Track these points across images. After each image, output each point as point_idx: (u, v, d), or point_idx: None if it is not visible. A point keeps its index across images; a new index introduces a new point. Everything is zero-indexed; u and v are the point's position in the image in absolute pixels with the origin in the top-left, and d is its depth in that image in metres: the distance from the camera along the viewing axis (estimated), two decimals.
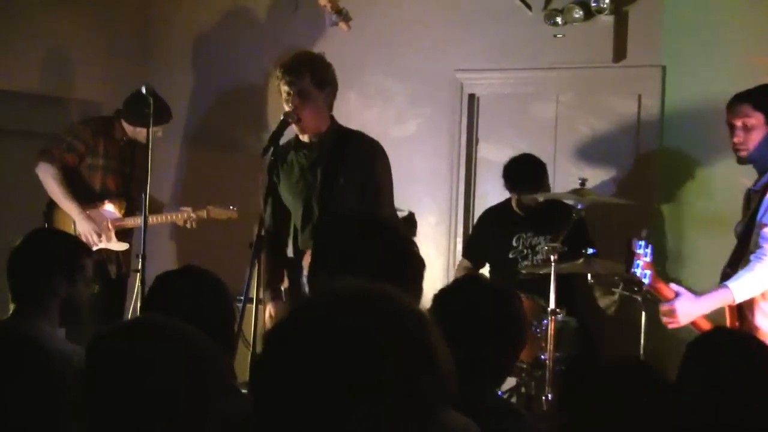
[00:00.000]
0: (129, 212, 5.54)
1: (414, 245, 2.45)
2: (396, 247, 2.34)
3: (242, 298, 3.63)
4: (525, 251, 5.11)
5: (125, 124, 5.50)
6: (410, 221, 4.08)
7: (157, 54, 6.58)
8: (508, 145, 5.62)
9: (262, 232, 3.79)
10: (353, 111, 5.69)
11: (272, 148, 3.85)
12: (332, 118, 4.12)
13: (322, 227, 3.38)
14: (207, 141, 6.49)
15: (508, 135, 5.72)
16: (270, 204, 3.98)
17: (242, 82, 6.34)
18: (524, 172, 5.04)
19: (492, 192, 5.62)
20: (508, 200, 5.22)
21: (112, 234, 5.43)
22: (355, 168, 4.00)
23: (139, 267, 4.70)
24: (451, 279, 5.29)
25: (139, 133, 5.40)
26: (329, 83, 4.05)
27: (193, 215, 5.45)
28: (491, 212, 5.31)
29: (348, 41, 5.84)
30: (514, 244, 5.11)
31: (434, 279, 5.32)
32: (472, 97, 5.77)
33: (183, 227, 5.66)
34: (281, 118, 3.99)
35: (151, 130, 4.83)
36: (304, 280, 3.93)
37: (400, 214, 3.97)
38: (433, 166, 5.82)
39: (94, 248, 5.36)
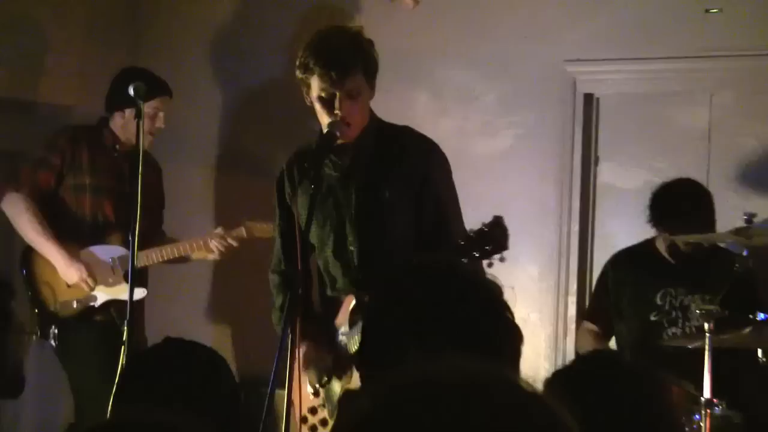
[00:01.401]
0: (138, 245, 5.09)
1: (508, 309, 2.31)
2: (489, 313, 2.27)
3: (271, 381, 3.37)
4: (674, 313, 4.94)
5: (116, 126, 5.17)
6: (498, 229, 3.59)
7: (150, 48, 6.26)
8: (640, 166, 5.42)
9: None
10: (423, 118, 5.34)
11: (313, 174, 3.61)
12: (372, 111, 3.89)
13: (386, 287, 2.95)
14: (223, 160, 6.18)
15: (640, 152, 5.50)
16: (286, 235, 3.81)
17: (267, 83, 6.09)
18: (686, 202, 4.84)
19: (619, 231, 5.42)
20: (651, 242, 5.00)
21: (120, 277, 5.11)
22: (405, 176, 3.79)
23: (124, 338, 4.20)
24: (561, 357, 5.29)
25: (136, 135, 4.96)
26: (375, 74, 3.83)
27: (225, 240, 5.11)
28: (627, 256, 5.09)
29: (414, 23, 5.55)
30: (659, 302, 4.92)
31: (537, 355, 5.30)
32: (589, 98, 5.58)
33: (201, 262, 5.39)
34: (325, 131, 3.71)
35: (141, 126, 4.37)
36: (341, 340, 3.75)
37: (484, 222, 3.53)
38: (534, 195, 5.60)
39: (98, 303, 5.07)
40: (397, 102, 4.25)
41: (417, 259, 3.03)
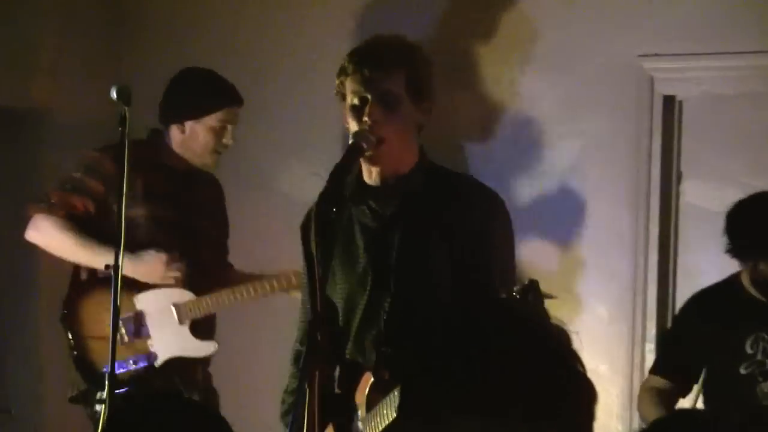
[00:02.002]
0: (202, 287, 4.82)
1: (579, 360, 2.14)
2: (557, 366, 2.13)
3: None
4: None
5: (175, 142, 4.72)
6: (531, 293, 3.45)
7: (135, 41, 5.96)
8: (731, 183, 5.04)
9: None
10: (467, 126, 5.07)
11: (333, 200, 3.36)
12: (422, 150, 3.63)
13: (429, 334, 2.64)
14: (231, 175, 5.56)
15: (731, 166, 5.17)
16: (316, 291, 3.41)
17: (281, 87, 5.73)
18: None
19: (706, 263, 5.08)
20: (736, 277, 4.62)
21: (186, 328, 4.75)
22: (460, 236, 3.55)
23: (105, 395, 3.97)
24: (638, 417, 4.81)
25: (202, 146, 4.72)
26: (429, 95, 3.57)
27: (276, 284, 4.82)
28: (708, 298, 4.71)
29: (450, 12, 5.15)
30: (750, 350, 4.59)
31: (608, 415, 5.09)
32: (669, 101, 5.26)
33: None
34: (351, 141, 3.47)
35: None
36: (357, 425, 3.55)
37: (516, 288, 3.44)
38: (603, 220, 5.30)
39: (159, 361, 4.66)
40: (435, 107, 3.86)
41: (466, 300, 2.92)
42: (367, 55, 3.52)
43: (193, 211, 4.86)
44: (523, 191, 4.74)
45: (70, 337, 4.66)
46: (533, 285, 3.38)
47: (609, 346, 5.25)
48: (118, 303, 4.22)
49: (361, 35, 5.09)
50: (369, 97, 3.46)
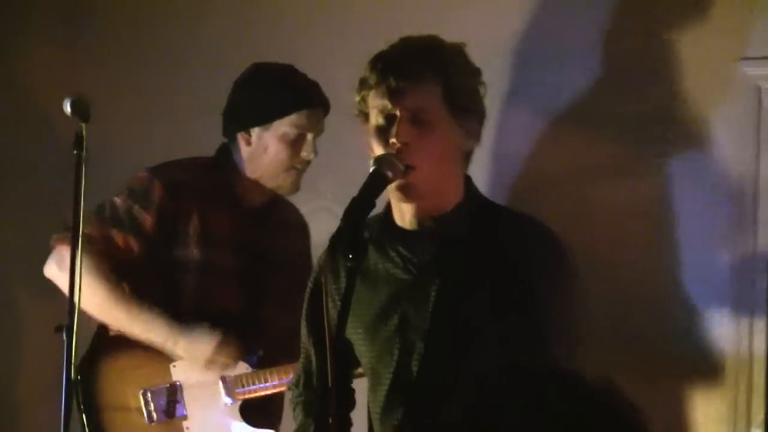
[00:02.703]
0: (265, 359, 3.96)
1: None
2: None
3: None
4: None
5: (242, 158, 3.90)
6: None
7: (94, 31, 5.12)
8: None
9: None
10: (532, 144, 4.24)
11: (350, 245, 2.82)
12: (469, 181, 3.11)
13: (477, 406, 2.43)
14: None
15: None
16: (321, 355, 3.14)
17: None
18: None
19: None
20: None
21: (237, 410, 3.94)
22: (513, 294, 3.04)
23: None
24: None
25: (273, 161, 3.87)
26: (476, 112, 3.05)
27: None
28: None
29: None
30: None
31: None
32: None
33: None
34: (372, 168, 2.91)
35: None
36: None
37: None
38: (699, 263, 4.40)
39: None
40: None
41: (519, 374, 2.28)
42: (394, 62, 2.98)
43: (263, 258, 4.02)
44: (600, 221, 4.18)
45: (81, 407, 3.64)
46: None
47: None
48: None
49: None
50: (397, 113, 2.91)
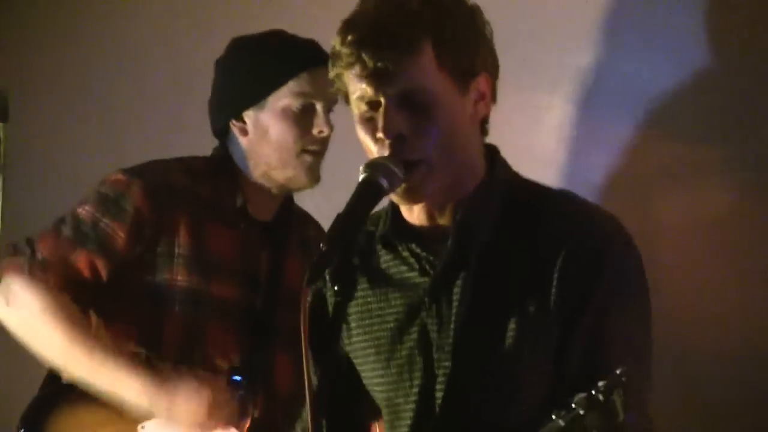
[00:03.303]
0: (269, 417, 3.15)
1: None
2: None
3: None
4: None
5: (241, 149, 3.17)
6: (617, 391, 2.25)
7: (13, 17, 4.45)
8: None
9: None
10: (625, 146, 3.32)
11: (343, 271, 2.36)
12: (493, 155, 2.51)
13: None
14: None
15: None
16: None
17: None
18: None
19: None
20: None
21: None
22: (553, 292, 2.40)
23: None
24: None
25: (278, 146, 3.13)
26: (483, 62, 2.42)
27: None
28: None
29: None
30: None
31: None
32: None
33: None
34: (361, 176, 2.34)
35: None
36: None
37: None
38: None
39: None
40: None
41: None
42: (368, 31, 2.34)
43: (273, 289, 3.21)
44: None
45: None
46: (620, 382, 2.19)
47: None
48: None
49: None
50: (381, 100, 2.34)
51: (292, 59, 3.12)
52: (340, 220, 2.22)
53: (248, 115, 3.11)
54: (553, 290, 2.33)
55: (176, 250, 3.05)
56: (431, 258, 2.42)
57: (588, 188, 3.20)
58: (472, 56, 2.36)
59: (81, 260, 2.99)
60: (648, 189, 3.26)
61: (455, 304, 2.40)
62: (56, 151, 4.17)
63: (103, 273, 3.00)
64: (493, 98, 2.43)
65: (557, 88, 3.32)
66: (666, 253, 3.14)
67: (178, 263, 3.05)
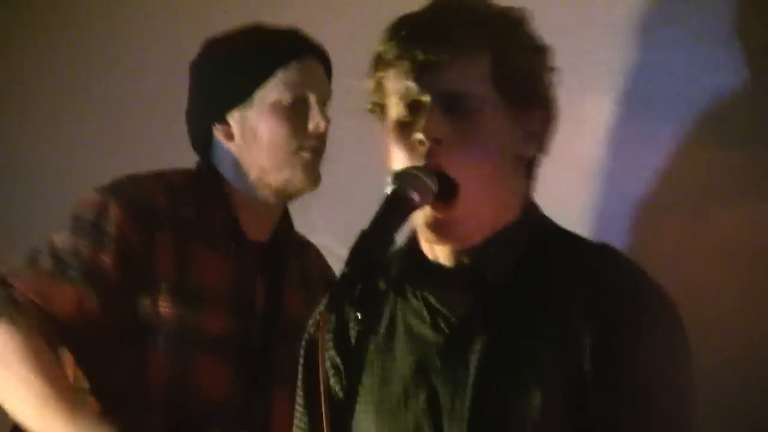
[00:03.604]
0: None
1: None
2: None
3: None
4: None
5: (228, 161, 2.87)
6: None
7: None
8: None
9: None
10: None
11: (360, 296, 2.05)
12: (530, 204, 2.28)
13: None
14: None
15: None
16: None
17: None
18: None
19: None
20: None
21: None
22: (591, 361, 2.16)
23: None
24: None
25: (271, 147, 2.85)
26: (539, 100, 2.23)
27: None
28: None
29: None
30: None
31: None
32: None
33: None
34: (389, 187, 2.10)
35: None
36: None
37: None
38: None
39: None
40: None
41: None
42: (423, 27, 2.17)
43: (271, 322, 2.92)
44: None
45: None
46: None
47: None
48: None
49: None
50: (425, 99, 2.13)
51: (278, 48, 2.86)
52: (365, 237, 2.00)
53: (233, 117, 2.84)
54: (586, 361, 2.10)
55: (160, 279, 2.75)
56: (446, 312, 2.17)
57: (631, 199, 2.95)
58: (530, 90, 2.18)
59: (64, 295, 2.68)
60: (698, 201, 2.99)
61: (472, 370, 2.15)
62: (46, 152, 3.96)
63: (93, 308, 2.70)
64: (545, 144, 2.23)
65: (600, 91, 3.10)
66: (717, 272, 2.85)
67: (163, 294, 2.74)
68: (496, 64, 2.13)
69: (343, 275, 1.96)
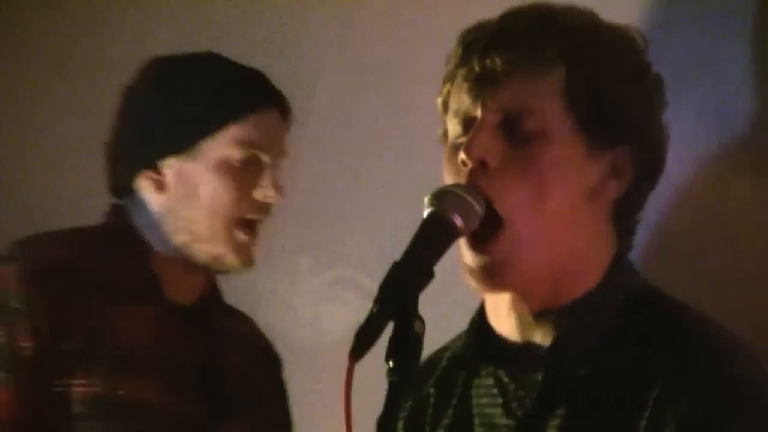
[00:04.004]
0: None
1: None
2: None
3: None
4: None
5: (155, 208, 2.52)
6: None
7: None
8: None
9: None
10: None
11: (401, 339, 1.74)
12: (619, 260, 1.93)
13: None
14: None
15: None
16: None
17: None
18: None
19: None
20: None
21: None
22: None
23: None
24: None
25: (209, 211, 2.51)
26: (632, 127, 1.85)
27: None
28: None
29: None
30: None
31: None
32: None
33: None
34: (427, 208, 1.80)
35: None
36: None
37: None
38: None
39: None
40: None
41: None
42: (489, 33, 1.87)
43: (208, 393, 2.58)
44: None
45: None
46: None
47: None
48: None
49: None
50: (478, 114, 1.82)
51: (237, 95, 2.53)
52: (398, 269, 1.71)
53: (169, 165, 2.49)
54: None
55: (81, 349, 2.42)
56: (520, 393, 1.88)
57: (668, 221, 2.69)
58: (619, 114, 1.83)
59: None
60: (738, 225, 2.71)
61: None
62: (29, 151, 3.76)
63: (16, 404, 2.38)
64: (637, 187, 1.88)
65: None
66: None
67: (75, 364, 2.42)
68: (571, 81, 1.82)
69: (370, 315, 1.68)
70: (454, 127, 1.85)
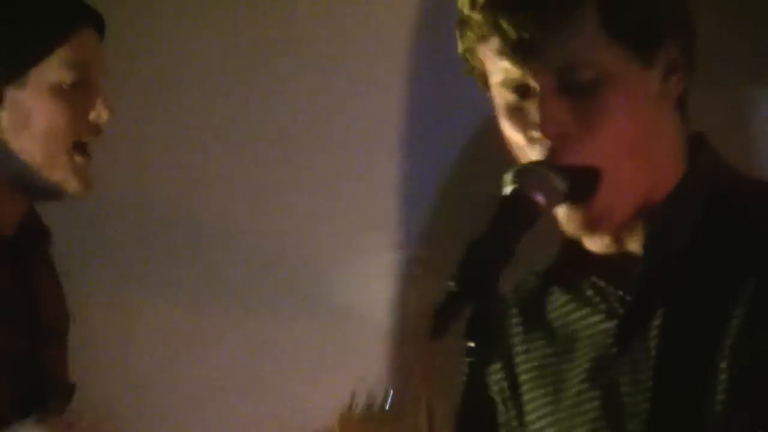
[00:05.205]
0: None
1: None
2: None
3: None
4: None
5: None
6: None
7: None
8: None
9: None
10: None
11: (479, 317, 1.71)
12: (698, 143, 1.94)
13: None
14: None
15: None
16: None
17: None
18: None
19: None
20: None
21: None
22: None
23: None
24: None
25: (45, 136, 2.48)
26: (670, 27, 1.85)
27: None
28: None
29: None
30: None
31: None
32: None
33: None
34: (506, 188, 1.79)
35: None
36: None
37: None
38: None
39: None
40: None
41: None
42: None
43: (30, 322, 2.54)
44: None
45: None
46: None
47: None
48: None
49: None
50: (532, 84, 1.77)
51: (57, 18, 2.47)
52: (478, 248, 1.68)
53: (2, 96, 2.46)
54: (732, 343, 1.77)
55: None
56: (621, 293, 1.84)
57: None
58: (653, 16, 1.80)
59: None
60: None
61: (652, 353, 1.82)
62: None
63: None
64: (691, 67, 1.84)
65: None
66: None
67: None
68: (603, 12, 1.77)
69: (449, 295, 1.64)
70: (503, 93, 1.80)
